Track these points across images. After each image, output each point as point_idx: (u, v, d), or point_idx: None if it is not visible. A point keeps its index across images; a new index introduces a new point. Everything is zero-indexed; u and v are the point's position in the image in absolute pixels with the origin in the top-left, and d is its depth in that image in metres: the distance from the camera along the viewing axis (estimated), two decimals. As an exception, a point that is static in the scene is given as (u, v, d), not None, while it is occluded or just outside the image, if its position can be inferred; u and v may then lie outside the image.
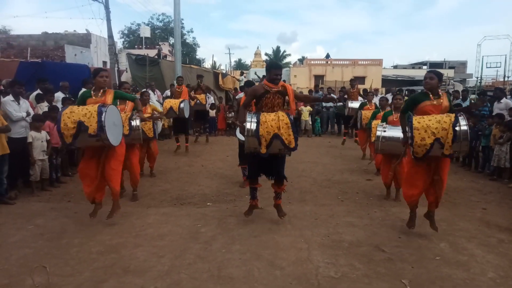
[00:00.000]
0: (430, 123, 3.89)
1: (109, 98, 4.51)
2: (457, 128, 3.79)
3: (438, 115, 3.96)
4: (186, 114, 8.89)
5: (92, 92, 4.57)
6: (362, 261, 3.68)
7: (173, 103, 8.73)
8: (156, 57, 16.51)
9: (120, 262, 3.59)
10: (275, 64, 4.53)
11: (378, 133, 5.45)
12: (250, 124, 4.20)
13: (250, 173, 4.71)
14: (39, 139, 5.82)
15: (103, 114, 4.11)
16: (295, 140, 4.22)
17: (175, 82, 11.64)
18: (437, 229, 4.28)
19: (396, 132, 5.28)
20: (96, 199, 4.59)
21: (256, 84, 5.18)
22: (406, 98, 11.36)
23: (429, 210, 4.36)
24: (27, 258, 3.66)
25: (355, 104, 10.41)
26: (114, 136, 4.33)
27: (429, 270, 3.50)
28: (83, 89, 8.61)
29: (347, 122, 11.00)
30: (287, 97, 4.49)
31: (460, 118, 3.85)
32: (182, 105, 8.68)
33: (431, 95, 4.11)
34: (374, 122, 7.09)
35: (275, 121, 4.21)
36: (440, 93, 4.17)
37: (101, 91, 4.56)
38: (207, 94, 10.87)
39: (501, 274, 3.44)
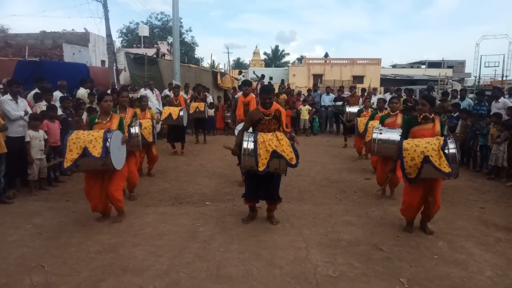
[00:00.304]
0: (420, 143, 4.04)
1: (115, 123, 4.62)
2: (446, 151, 3.92)
3: (428, 138, 4.13)
4: (185, 123, 8.87)
5: (97, 118, 4.68)
6: (361, 260, 3.69)
7: (172, 110, 8.70)
8: (154, 56, 16.47)
9: (118, 262, 3.59)
10: (264, 89, 4.62)
11: (374, 135, 5.53)
12: (247, 144, 4.26)
13: (247, 192, 4.69)
14: (37, 138, 5.81)
15: (109, 140, 4.25)
16: (296, 157, 4.27)
17: (173, 81, 11.64)
18: (432, 233, 4.37)
19: (392, 135, 5.36)
20: (105, 211, 4.77)
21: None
22: (404, 97, 11.44)
23: (421, 222, 4.51)
24: (25, 257, 3.65)
25: (353, 109, 10.47)
26: (118, 160, 4.49)
27: (427, 269, 3.52)
28: (81, 88, 8.62)
29: (347, 127, 11.04)
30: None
31: (449, 141, 3.99)
32: (181, 113, 8.64)
33: (422, 119, 4.29)
34: (370, 123, 7.18)
35: (272, 140, 4.26)
36: (433, 117, 4.33)
37: (108, 116, 4.65)
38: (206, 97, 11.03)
39: (499, 273, 3.46)
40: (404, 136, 4.40)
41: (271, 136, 4.32)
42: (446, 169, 3.90)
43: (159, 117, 8.64)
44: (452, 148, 3.95)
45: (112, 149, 4.27)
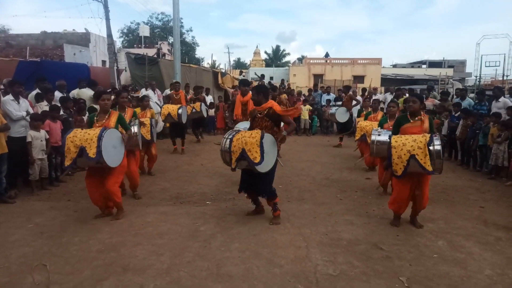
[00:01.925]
0: (407, 142, 4.22)
1: (113, 120, 4.71)
2: (431, 148, 4.09)
3: (415, 135, 4.29)
4: (184, 120, 8.81)
5: (95, 117, 4.74)
6: (361, 259, 3.70)
7: (171, 109, 8.69)
8: (155, 56, 16.50)
9: (119, 260, 3.61)
10: (253, 89, 4.76)
11: (373, 137, 5.67)
12: (225, 141, 4.41)
13: (240, 185, 4.79)
14: (38, 138, 5.83)
15: (101, 140, 4.27)
16: (261, 157, 4.21)
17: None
18: (421, 226, 4.52)
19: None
20: (106, 209, 4.85)
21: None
22: (405, 97, 11.46)
23: (411, 217, 4.65)
24: (27, 257, 3.68)
25: (333, 111, 10.71)
26: (113, 158, 4.49)
27: (427, 268, 3.53)
28: (77, 89, 8.62)
29: (343, 128, 11.11)
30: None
31: (434, 138, 4.14)
32: (180, 111, 8.61)
33: (410, 118, 4.50)
34: (360, 123, 7.26)
35: (245, 137, 4.28)
36: (422, 116, 4.50)
37: (106, 114, 4.73)
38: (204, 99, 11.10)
39: (498, 272, 3.47)
40: (395, 133, 4.57)
41: (247, 133, 4.35)
42: (429, 167, 4.10)
43: (159, 117, 8.66)
44: (437, 144, 4.12)
45: (105, 148, 4.29)
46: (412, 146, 4.15)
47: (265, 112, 4.49)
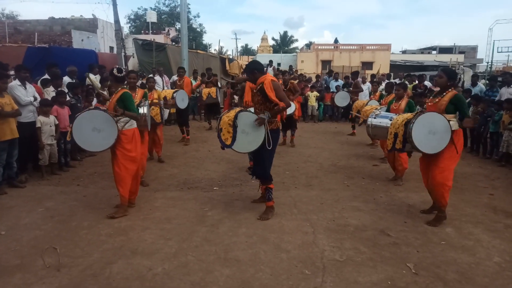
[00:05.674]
0: (398, 120, 4.37)
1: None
2: (410, 125, 4.09)
3: (406, 114, 4.49)
4: (179, 105, 8.17)
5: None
6: (367, 245, 3.70)
7: (167, 93, 8.49)
8: (176, 35, 16.33)
9: (128, 244, 3.66)
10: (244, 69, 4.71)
11: (369, 120, 5.65)
12: (218, 120, 4.31)
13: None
14: (48, 124, 5.87)
15: (75, 120, 4.17)
16: (232, 138, 4.10)
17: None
18: (434, 225, 4.19)
19: (382, 120, 5.50)
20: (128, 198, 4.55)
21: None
22: (415, 83, 11.28)
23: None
24: (38, 240, 3.74)
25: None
26: (92, 142, 4.20)
27: (435, 254, 3.52)
28: (90, 74, 8.63)
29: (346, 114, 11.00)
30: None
31: (418, 117, 4.09)
32: (174, 95, 8.10)
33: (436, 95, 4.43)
34: (365, 108, 7.18)
35: (225, 116, 4.20)
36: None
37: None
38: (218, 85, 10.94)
39: (507, 259, 3.45)
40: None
41: (230, 112, 4.25)
42: (398, 144, 4.28)
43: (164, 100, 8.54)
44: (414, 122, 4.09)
45: (79, 130, 4.13)
46: (399, 123, 4.29)
47: (258, 87, 4.31)
